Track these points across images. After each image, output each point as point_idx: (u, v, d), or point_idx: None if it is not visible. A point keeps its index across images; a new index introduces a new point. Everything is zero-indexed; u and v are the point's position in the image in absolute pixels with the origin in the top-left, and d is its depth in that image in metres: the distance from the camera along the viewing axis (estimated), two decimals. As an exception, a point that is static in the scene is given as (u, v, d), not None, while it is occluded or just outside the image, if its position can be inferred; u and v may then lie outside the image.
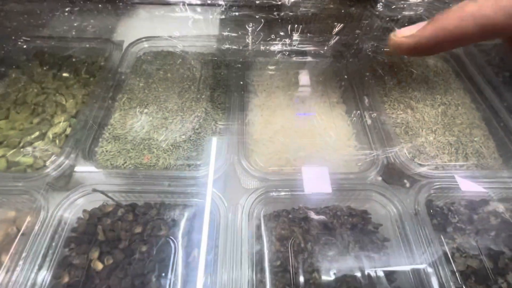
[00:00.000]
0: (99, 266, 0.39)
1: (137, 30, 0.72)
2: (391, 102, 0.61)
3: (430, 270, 0.41)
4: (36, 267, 0.39)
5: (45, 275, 0.39)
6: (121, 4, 0.77)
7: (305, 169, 0.50)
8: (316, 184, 0.49)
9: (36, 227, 0.42)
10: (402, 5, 0.64)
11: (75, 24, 0.74)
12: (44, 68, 0.63)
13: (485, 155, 0.53)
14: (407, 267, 0.42)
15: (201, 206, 0.45)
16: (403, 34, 0.27)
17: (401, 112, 0.59)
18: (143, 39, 0.67)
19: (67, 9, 0.75)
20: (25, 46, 0.66)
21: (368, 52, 0.64)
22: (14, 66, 0.63)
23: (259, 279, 0.40)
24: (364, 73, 0.63)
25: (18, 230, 0.43)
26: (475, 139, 0.56)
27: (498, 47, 0.71)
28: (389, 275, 0.42)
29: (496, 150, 0.55)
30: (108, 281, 0.38)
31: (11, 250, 0.41)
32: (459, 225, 0.45)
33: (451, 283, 0.40)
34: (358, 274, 0.41)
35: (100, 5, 0.75)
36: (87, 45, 0.68)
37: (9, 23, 0.71)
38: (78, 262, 0.39)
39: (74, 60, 0.66)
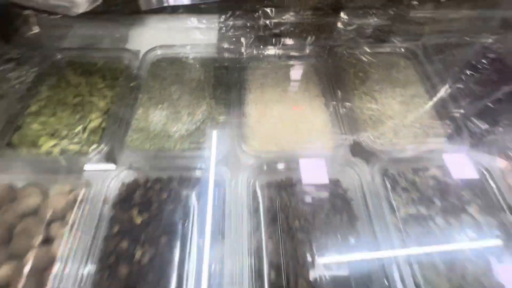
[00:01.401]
0: (139, 220, 0.54)
1: (148, 39, 0.86)
2: (359, 95, 0.75)
3: (380, 217, 0.56)
4: (95, 222, 0.53)
5: (100, 227, 0.54)
6: (131, 17, 0.91)
7: (291, 149, 0.65)
8: (301, 160, 0.64)
9: (90, 197, 0.57)
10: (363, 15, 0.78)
11: (95, 36, 0.88)
12: (77, 75, 0.77)
13: (431, 135, 0.68)
14: (365, 216, 0.57)
15: (211, 179, 0.60)
16: None
17: (367, 103, 0.73)
18: (156, 48, 0.81)
19: (87, 24, 0.89)
20: (59, 56, 0.80)
21: (340, 55, 0.78)
22: (52, 74, 0.77)
23: (256, 226, 0.55)
24: (338, 72, 0.77)
25: (76, 200, 0.58)
26: (425, 123, 0.70)
27: (452, 46, 0.85)
28: (352, 218, 0.57)
29: (441, 129, 0.69)
30: (147, 228, 0.52)
31: (73, 212, 0.55)
32: (404, 186, 0.60)
33: (395, 226, 0.55)
34: (329, 220, 0.56)
35: (112, 19, 0.88)
36: (110, 54, 0.82)
37: (42, 36, 0.84)
38: (124, 218, 0.54)
39: (99, 67, 0.80)
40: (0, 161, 0.62)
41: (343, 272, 0.51)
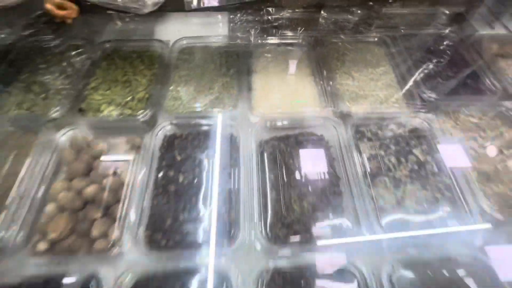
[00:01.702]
0: (179, 158, 0.77)
1: (174, 32, 1.08)
2: (340, 74, 0.97)
3: (350, 158, 0.78)
4: (149, 160, 0.76)
5: (153, 163, 0.76)
6: (158, 12, 1.13)
7: (287, 113, 0.88)
8: (295, 121, 0.87)
9: (144, 147, 0.80)
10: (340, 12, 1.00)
11: (131, 30, 1.10)
12: (122, 60, 0.99)
13: (392, 101, 0.90)
14: (340, 157, 0.79)
15: (228, 133, 0.83)
16: None
17: (346, 80, 0.95)
18: (183, 38, 1.03)
19: (125, 20, 1.12)
20: (107, 45, 1.02)
21: (326, 43, 1.00)
22: (103, 60, 0.99)
23: (261, 164, 0.77)
24: (324, 57, 0.99)
25: (133, 146, 0.81)
26: (389, 93, 0.92)
27: (415, 36, 1.07)
28: (330, 159, 0.79)
29: (401, 98, 0.91)
30: (185, 163, 0.75)
31: (133, 155, 0.78)
32: (369, 137, 0.82)
33: (361, 165, 0.77)
34: (314, 160, 0.78)
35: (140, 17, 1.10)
36: (146, 44, 1.04)
37: (92, 30, 1.07)
38: (169, 156, 0.77)
39: (139, 53, 1.02)
40: (75, 122, 0.84)
41: (320, 185, 0.73)
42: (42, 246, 0.65)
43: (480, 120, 0.88)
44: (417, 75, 0.95)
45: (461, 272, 0.61)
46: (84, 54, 0.98)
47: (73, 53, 0.98)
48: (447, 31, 1.07)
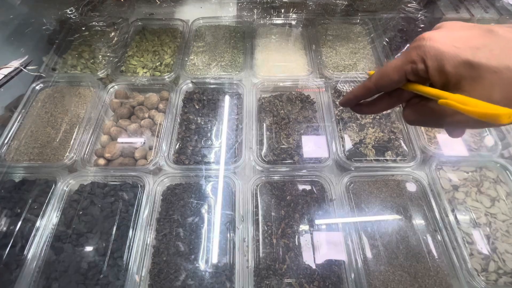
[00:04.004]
0: (197, 106, 1.02)
1: (193, 13, 1.31)
2: (327, 49, 1.19)
3: (327, 111, 1.01)
4: (174, 108, 1.01)
5: (177, 110, 1.01)
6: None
7: (282, 76, 1.11)
8: (287, 82, 1.10)
9: (171, 98, 1.04)
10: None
11: (155, 11, 1.34)
12: (151, 35, 1.24)
13: (368, 69, 1.12)
14: (320, 110, 1.02)
15: (235, 89, 1.07)
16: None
17: (331, 53, 1.18)
18: (199, 18, 1.27)
19: (147, 5, 1.35)
20: (139, 23, 1.27)
21: (317, 23, 1.23)
22: (136, 34, 1.24)
23: (259, 114, 1.01)
24: (314, 34, 1.21)
25: (162, 98, 1.06)
26: (365, 63, 1.14)
27: (393, 18, 1.27)
28: (314, 111, 1.03)
29: (376, 67, 1.13)
30: (202, 110, 1.00)
31: (161, 105, 1.03)
32: (344, 95, 1.05)
33: (336, 115, 1.00)
34: (301, 112, 1.02)
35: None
36: (169, 22, 1.28)
37: (127, 11, 1.31)
38: (189, 105, 1.02)
39: (164, 30, 1.26)
40: (118, 80, 1.09)
41: (303, 128, 0.97)
42: (101, 161, 0.91)
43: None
44: (389, 49, 1.17)
45: (396, 184, 0.86)
46: (122, 30, 1.23)
47: (113, 28, 1.23)
48: (419, 14, 1.28)
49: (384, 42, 1.20)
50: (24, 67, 0.71)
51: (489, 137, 0.94)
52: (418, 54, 0.32)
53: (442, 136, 0.95)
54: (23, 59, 0.72)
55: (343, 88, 1.07)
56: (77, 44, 1.19)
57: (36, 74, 0.98)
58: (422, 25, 1.26)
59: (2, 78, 0.68)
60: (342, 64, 1.14)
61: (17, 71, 0.70)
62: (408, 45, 1.15)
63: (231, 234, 0.77)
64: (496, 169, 0.89)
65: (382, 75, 0.37)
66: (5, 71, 0.69)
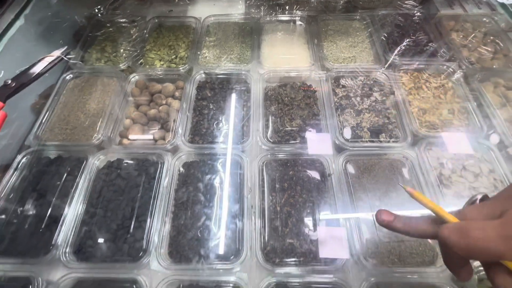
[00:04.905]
0: (209, 94, 1.13)
1: (204, 11, 1.43)
2: (328, 43, 1.29)
3: (328, 99, 1.11)
4: (189, 95, 1.12)
5: (192, 97, 1.13)
6: None
7: (286, 68, 1.22)
8: (291, 73, 1.20)
9: (186, 87, 1.16)
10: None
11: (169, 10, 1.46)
12: (166, 31, 1.36)
13: (365, 61, 1.21)
14: (320, 98, 1.12)
15: (243, 80, 1.18)
16: (384, 217, 0.44)
17: (331, 47, 1.27)
18: (210, 16, 1.38)
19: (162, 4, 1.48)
20: (156, 21, 1.39)
21: (319, 20, 1.33)
22: (153, 30, 1.36)
23: (265, 105, 1.12)
24: (316, 29, 1.32)
25: (177, 87, 1.17)
26: (363, 56, 1.24)
27: (391, 14, 1.37)
28: (315, 99, 1.13)
29: (373, 59, 1.23)
30: (214, 97, 1.11)
31: (177, 97, 1.15)
32: (343, 84, 1.15)
33: (335, 102, 1.10)
34: (304, 99, 1.12)
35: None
36: (183, 20, 1.40)
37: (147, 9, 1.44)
38: (202, 92, 1.13)
39: (178, 27, 1.38)
40: (138, 71, 1.21)
41: (305, 114, 1.07)
42: (125, 141, 1.03)
43: (428, 76, 1.18)
44: (386, 43, 1.26)
45: (388, 162, 0.95)
46: (140, 26, 1.35)
47: (133, 25, 1.35)
48: (415, 11, 1.37)
49: (382, 37, 1.29)
50: (65, 56, 0.82)
51: (476, 121, 1.02)
52: None
53: (431, 118, 1.05)
54: (63, 49, 0.83)
55: (343, 80, 1.17)
56: (101, 39, 1.32)
57: (68, 62, 1.11)
58: (418, 21, 1.35)
59: (47, 65, 0.80)
60: (342, 57, 1.24)
61: (59, 59, 0.81)
62: (406, 42, 1.24)
63: (241, 203, 0.88)
64: (481, 149, 0.97)
65: (472, 248, 0.32)
66: (49, 59, 0.80)
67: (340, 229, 0.83)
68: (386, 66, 1.19)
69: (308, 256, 0.79)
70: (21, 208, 0.88)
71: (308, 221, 0.84)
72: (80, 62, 1.23)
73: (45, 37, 1.18)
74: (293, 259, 0.79)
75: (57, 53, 0.83)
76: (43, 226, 0.85)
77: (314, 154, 0.97)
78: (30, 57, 0.85)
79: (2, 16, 1.01)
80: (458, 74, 1.15)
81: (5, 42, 0.98)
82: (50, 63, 0.81)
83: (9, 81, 0.76)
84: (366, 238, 0.82)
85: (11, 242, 0.82)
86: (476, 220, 0.35)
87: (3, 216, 0.86)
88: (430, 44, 1.26)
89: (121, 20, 1.36)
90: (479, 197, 0.44)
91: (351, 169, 0.95)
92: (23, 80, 0.77)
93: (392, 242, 0.82)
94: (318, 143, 1.00)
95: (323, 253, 0.78)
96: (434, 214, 0.43)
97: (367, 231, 0.84)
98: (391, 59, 1.21)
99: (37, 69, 0.79)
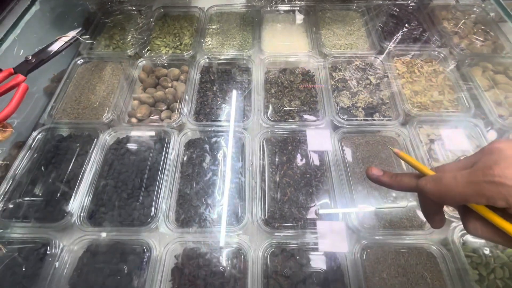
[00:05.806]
0: (212, 77, 1.19)
1: (208, 1, 1.49)
2: (325, 31, 1.36)
3: (325, 82, 1.17)
4: (194, 79, 1.19)
5: (196, 81, 1.19)
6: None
7: (286, 54, 1.28)
8: (291, 59, 1.26)
9: (190, 72, 1.22)
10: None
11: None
12: (172, 20, 1.42)
13: (361, 47, 1.28)
14: (318, 83, 1.18)
15: (244, 64, 1.24)
16: (374, 172, 0.48)
17: (329, 35, 1.34)
18: (213, 6, 1.45)
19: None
20: (162, 10, 1.45)
21: (317, 10, 1.39)
22: (159, 19, 1.42)
23: (266, 88, 1.18)
24: (315, 19, 1.38)
25: (182, 71, 1.23)
26: (362, 43, 1.30)
27: (386, 6, 1.43)
28: (313, 84, 1.19)
29: (369, 46, 1.29)
30: (216, 81, 1.17)
31: (182, 80, 1.21)
32: (339, 68, 1.21)
33: (331, 85, 1.16)
34: (302, 83, 1.18)
35: None
36: (187, 10, 1.46)
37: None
38: (206, 77, 1.19)
39: (182, 16, 1.44)
40: (145, 57, 1.27)
41: (303, 95, 1.13)
42: (133, 120, 1.09)
43: (421, 62, 1.24)
44: (381, 31, 1.33)
45: (381, 138, 1.01)
46: (147, 15, 1.41)
47: (139, 15, 1.42)
48: (409, 1, 1.43)
49: (377, 27, 1.35)
50: (80, 36, 0.89)
51: (464, 102, 1.08)
52: (501, 193, 0.32)
53: (422, 99, 1.11)
54: (78, 30, 0.90)
55: (339, 64, 1.23)
56: (110, 26, 1.38)
57: (80, 45, 1.19)
58: (411, 11, 1.41)
59: (63, 44, 0.86)
60: (339, 44, 1.30)
61: (74, 39, 0.88)
62: (400, 31, 1.31)
63: (243, 174, 0.94)
64: (469, 127, 1.03)
65: (444, 193, 0.37)
66: (65, 38, 0.87)
67: (334, 192, 0.89)
68: (381, 52, 1.25)
69: (305, 221, 0.85)
70: (37, 179, 0.94)
71: (305, 190, 0.90)
72: (93, 43, 1.30)
73: (58, 22, 1.24)
74: (291, 224, 0.85)
75: (72, 33, 0.89)
76: (58, 195, 0.91)
77: (310, 125, 1.04)
78: (44, 40, 0.91)
79: (19, 1, 1.07)
80: (449, 59, 1.22)
81: (22, 25, 1.04)
82: (66, 42, 0.87)
83: (30, 57, 0.82)
84: (359, 205, 0.88)
85: (29, 208, 0.89)
86: (450, 172, 0.39)
87: (21, 187, 0.93)
88: (423, 33, 1.32)
89: (130, 8, 1.43)
90: (462, 159, 0.50)
91: (346, 145, 1.01)
92: (42, 57, 0.83)
93: (384, 209, 0.88)
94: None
95: (321, 225, 0.84)
96: (417, 172, 0.49)
97: (360, 200, 0.90)
98: (387, 46, 1.27)
99: (54, 47, 0.86)
